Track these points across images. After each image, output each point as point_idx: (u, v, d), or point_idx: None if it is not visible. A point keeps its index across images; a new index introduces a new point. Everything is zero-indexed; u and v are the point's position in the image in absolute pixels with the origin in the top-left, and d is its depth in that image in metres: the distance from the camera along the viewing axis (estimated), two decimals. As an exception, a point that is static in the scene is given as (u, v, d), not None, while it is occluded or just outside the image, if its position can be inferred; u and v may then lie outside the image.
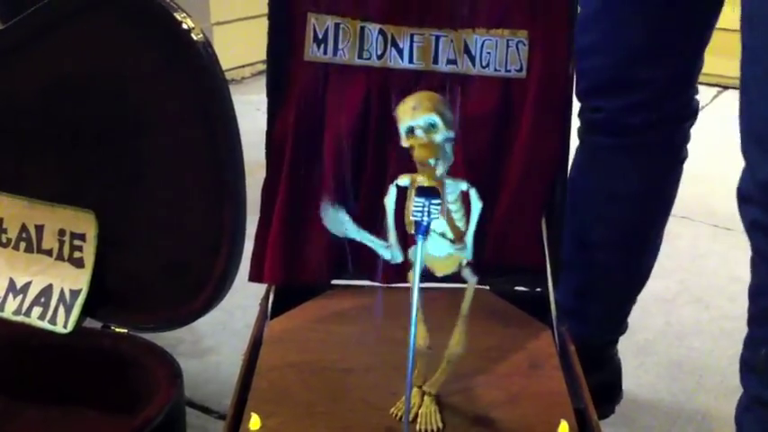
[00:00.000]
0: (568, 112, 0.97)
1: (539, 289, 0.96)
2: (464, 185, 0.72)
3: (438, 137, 0.68)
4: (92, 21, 1.04)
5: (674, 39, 1.02)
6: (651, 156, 1.05)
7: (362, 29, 0.99)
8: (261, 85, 2.85)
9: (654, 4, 1.01)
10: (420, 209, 0.65)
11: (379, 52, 0.99)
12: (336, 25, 0.99)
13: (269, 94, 1.01)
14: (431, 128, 0.68)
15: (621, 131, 1.03)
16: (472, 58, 0.98)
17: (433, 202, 0.65)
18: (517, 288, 0.99)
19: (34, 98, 1.10)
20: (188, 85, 1.00)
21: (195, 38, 0.98)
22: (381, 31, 0.99)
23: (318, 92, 0.99)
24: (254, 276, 1.01)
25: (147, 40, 1.00)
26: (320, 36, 0.99)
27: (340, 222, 0.69)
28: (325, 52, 0.99)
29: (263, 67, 3.01)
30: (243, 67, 2.96)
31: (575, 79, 0.97)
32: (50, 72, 1.08)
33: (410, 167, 0.72)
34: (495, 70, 0.98)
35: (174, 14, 0.98)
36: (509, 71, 0.98)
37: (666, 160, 1.07)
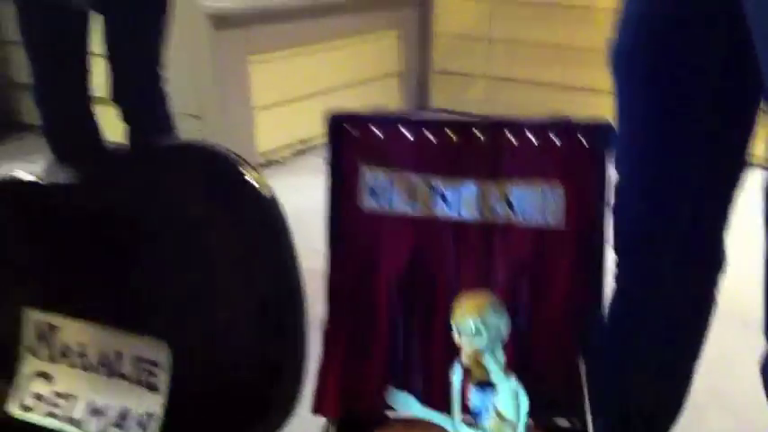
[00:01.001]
0: (602, 258, 1.05)
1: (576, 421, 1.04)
2: (513, 383, 0.80)
3: (482, 340, 0.77)
4: (170, 171, 1.16)
5: (707, 187, 1.10)
6: (686, 296, 1.12)
7: (412, 181, 1.09)
8: (299, 164, 2.95)
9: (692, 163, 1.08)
10: (478, 403, 0.73)
11: (428, 203, 1.08)
12: (388, 178, 1.09)
13: (328, 242, 1.10)
14: (477, 332, 0.77)
15: (654, 279, 1.11)
16: (513, 208, 1.07)
17: (489, 395, 0.74)
18: (556, 420, 1.06)
19: (113, 240, 1.21)
20: (255, 231, 1.10)
21: (263, 193, 1.09)
22: (430, 184, 1.09)
23: (372, 240, 1.08)
24: (316, 409, 1.09)
25: (220, 193, 1.11)
26: (373, 188, 1.09)
27: (406, 403, 0.77)
28: (378, 203, 1.09)
29: (300, 146, 3.15)
30: (283, 147, 3.08)
31: (608, 229, 1.06)
32: (130, 211, 1.19)
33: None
34: (534, 219, 1.07)
35: (246, 176, 1.09)
36: (547, 220, 1.06)
37: (701, 303, 1.14)
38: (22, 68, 3.26)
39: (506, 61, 3.52)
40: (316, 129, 3.14)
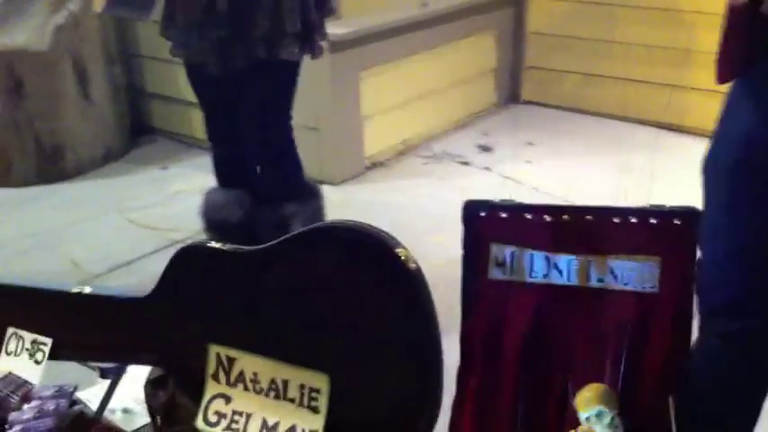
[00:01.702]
0: (690, 320, 1.26)
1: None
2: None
3: (606, 421, 0.99)
4: (332, 247, 1.40)
5: None
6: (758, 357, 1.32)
7: (532, 255, 1.31)
8: (401, 166, 3.17)
9: None
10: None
11: (545, 272, 1.31)
12: (512, 253, 1.31)
13: (462, 305, 1.34)
14: (600, 415, 0.99)
15: (740, 344, 1.31)
16: (616, 278, 1.28)
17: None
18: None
19: (281, 297, 1.47)
20: (401, 298, 1.34)
21: (410, 266, 1.32)
22: (546, 257, 1.31)
23: (499, 305, 1.31)
24: (453, 435, 1.34)
25: (372, 267, 1.35)
26: (500, 261, 1.32)
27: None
28: (503, 273, 1.31)
29: (402, 147, 3.37)
30: (387, 150, 3.31)
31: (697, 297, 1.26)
32: (293, 280, 1.45)
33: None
34: (634, 287, 1.28)
35: (396, 249, 1.32)
36: (644, 288, 1.27)
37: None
38: (152, 80, 3.58)
39: (593, 59, 3.65)
40: (417, 129, 3.39)
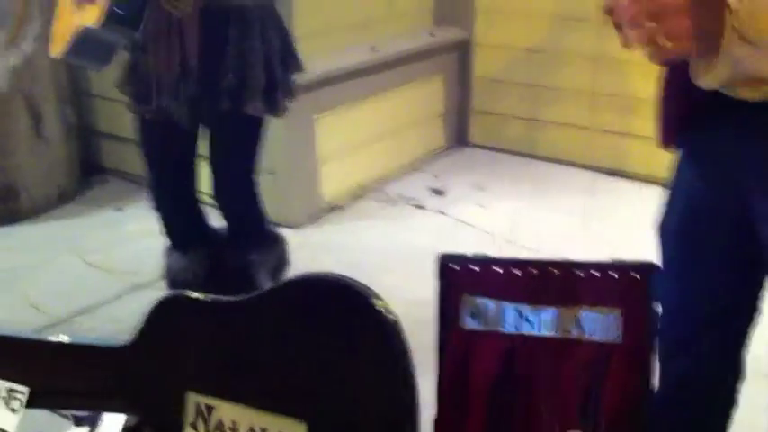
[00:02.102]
0: (650, 366, 1.36)
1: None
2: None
3: None
4: (306, 300, 1.47)
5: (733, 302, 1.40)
6: (711, 397, 1.43)
7: (503, 307, 1.40)
8: (359, 208, 3.23)
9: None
10: None
11: (515, 324, 1.39)
12: (484, 304, 1.40)
13: (437, 353, 1.41)
14: None
15: (690, 384, 1.42)
16: (582, 328, 1.38)
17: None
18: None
19: (260, 346, 1.53)
20: (379, 348, 1.41)
21: (388, 318, 1.40)
22: (516, 309, 1.39)
23: (471, 353, 1.39)
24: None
25: (350, 318, 1.42)
26: (472, 312, 1.40)
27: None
28: (475, 324, 1.40)
29: (357, 190, 3.45)
30: (344, 193, 3.39)
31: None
32: (272, 330, 1.51)
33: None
34: (599, 337, 1.37)
35: (372, 300, 1.39)
36: (608, 338, 1.37)
37: (725, 403, 1.45)
38: (103, 119, 3.60)
39: (538, 104, 3.81)
40: (371, 172, 3.48)
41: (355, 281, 1.45)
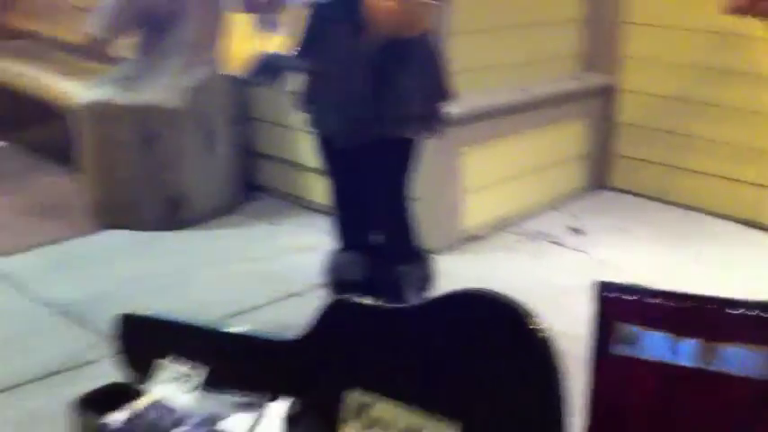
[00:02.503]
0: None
1: None
2: None
3: None
4: (466, 311, 1.59)
5: None
6: None
7: (654, 336, 1.47)
8: (498, 241, 3.32)
9: None
10: None
11: (665, 353, 1.46)
12: (636, 332, 1.47)
13: (590, 376, 1.50)
14: None
15: None
16: (732, 363, 1.43)
17: None
18: None
19: (420, 351, 1.65)
20: (533, 364, 1.51)
21: (542, 336, 1.49)
22: (667, 339, 1.46)
23: (623, 378, 1.47)
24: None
25: (507, 332, 1.53)
26: (624, 338, 1.48)
27: None
28: (627, 350, 1.47)
29: (497, 223, 3.55)
30: (484, 224, 3.49)
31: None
32: (432, 337, 1.63)
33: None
34: (748, 374, 1.42)
35: (529, 321, 1.50)
36: (759, 375, 1.42)
37: None
38: (263, 141, 3.85)
39: (681, 152, 3.81)
40: (511, 207, 3.57)
41: (514, 299, 1.55)
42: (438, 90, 2.27)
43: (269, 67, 2.16)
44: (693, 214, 3.70)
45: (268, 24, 2.12)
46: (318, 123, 2.30)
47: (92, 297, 2.81)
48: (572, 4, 3.84)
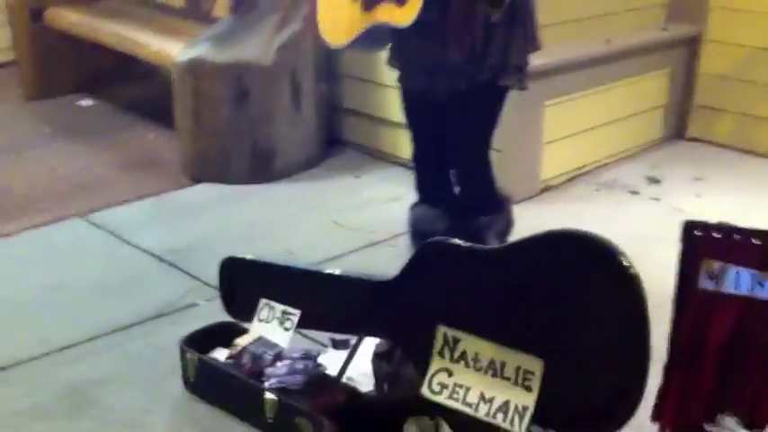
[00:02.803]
0: None
1: None
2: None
3: None
4: (556, 250, 1.65)
5: None
6: None
7: (739, 272, 1.50)
8: (575, 191, 3.33)
9: None
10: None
11: (749, 287, 1.49)
12: (722, 268, 1.51)
13: (674, 310, 1.54)
14: None
15: None
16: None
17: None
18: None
19: (509, 289, 1.72)
20: (620, 297, 1.56)
21: (631, 272, 1.54)
22: (752, 274, 1.49)
23: (706, 311, 1.51)
24: (655, 417, 1.55)
25: (596, 268, 1.58)
26: (710, 274, 1.51)
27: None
28: (712, 285, 1.51)
29: (575, 173, 3.57)
30: (560, 175, 3.52)
31: None
32: (522, 276, 1.70)
33: None
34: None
35: (620, 257, 1.54)
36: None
37: None
38: (346, 97, 3.92)
39: (762, 102, 3.74)
40: (589, 158, 3.58)
41: (602, 236, 1.60)
42: (530, 41, 2.31)
43: (372, 37, 2.22)
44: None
45: None
46: (405, 79, 2.36)
47: (187, 246, 2.96)
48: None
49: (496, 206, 2.54)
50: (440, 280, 1.81)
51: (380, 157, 3.77)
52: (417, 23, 2.10)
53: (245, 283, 2.12)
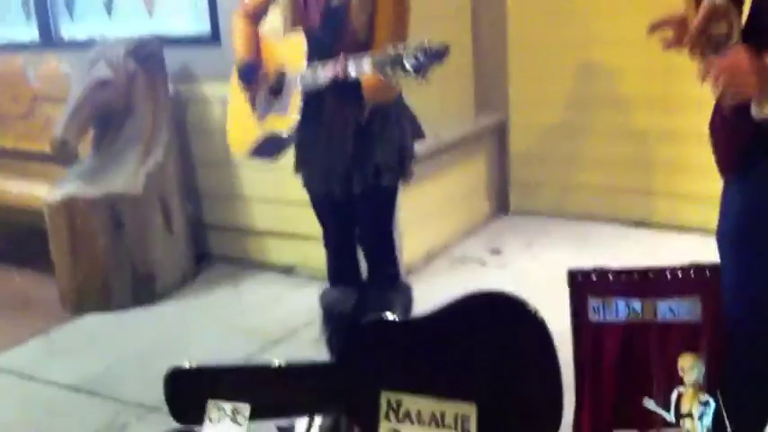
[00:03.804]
0: (724, 337, 1.88)
1: None
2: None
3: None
4: (476, 308, 2.00)
5: None
6: None
7: (616, 302, 1.92)
8: (434, 269, 3.72)
9: None
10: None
11: (626, 313, 1.92)
12: (603, 301, 1.93)
13: (572, 339, 1.93)
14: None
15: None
16: (673, 312, 1.89)
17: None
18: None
19: (438, 348, 2.04)
20: (533, 341, 1.93)
21: (540, 318, 1.92)
22: (625, 303, 1.92)
23: (598, 337, 1.91)
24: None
25: (511, 319, 1.95)
26: (595, 308, 1.93)
27: None
28: (598, 316, 1.92)
29: (429, 254, 3.99)
30: (418, 256, 3.93)
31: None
32: (447, 335, 2.03)
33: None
34: (684, 319, 1.89)
35: (529, 307, 1.92)
36: (692, 319, 1.89)
37: None
38: (211, 213, 4.15)
39: (570, 172, 4.40)
40: (440, 238, 4.03)
41: (510, 293, 1.98)
42: (409, 136, 2.67)
43: (270, 145, 2.53)
44: (587, 223, 4.27)
45: (270, 105, 2.49)
46: (309, 182, 2.67)
47: (100, 372, 3.05)
48: (466, 55, 4.39)
49: (400, 284, 2.88)
50: (378, 351, 2.09)
51: (250, 266, 4.02)
52: (308, 134, 2.46)
53: (191, 389, 2.29)
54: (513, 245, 4.09)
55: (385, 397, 2.10)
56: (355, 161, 2.52)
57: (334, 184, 2.56)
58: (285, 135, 2.44)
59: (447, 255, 4.02)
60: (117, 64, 3.58)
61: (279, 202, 3.84)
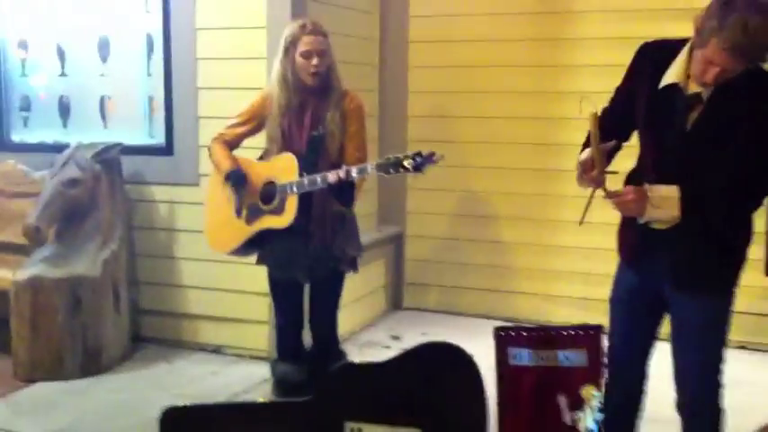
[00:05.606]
0: (602, 378, 2.52)
1: None
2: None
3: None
4: (425, 355, 2.54)
5: None
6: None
7: (527, 352, 2.53)
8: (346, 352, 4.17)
9: None
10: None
11: (535, 360, 2.52)
12: (518, 350, 2.53)
13: (497, 380, 2.51)
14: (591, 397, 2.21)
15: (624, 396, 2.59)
16: (568, 359, 2.52)
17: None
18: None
19: (393, 385, 2.56)
20: (468, 381, 2.48)
21: (473, 362, 2.49)
22: (532, 352, 2.53)
23: (516, 378, 2.50)
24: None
25: (452, 363, 2.50)
26: (513, 356, 2.52)
27: None
28: (516, 362, 2.52)
29: (342, 339, 4.49)
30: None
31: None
32: (401, 376, 2.56)
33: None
34: (575, 364, 2.52)
35: (467, 354, 2.48)
36: (581, 364, 2.52)
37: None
38: (145, 299, 4.48)
39: (454, 277, 5.09)
40: (348, 327, 4.54)
41: (452, 343, 2.55)
42: (355, 239, 3.27)
43: (248, 244, 3.04)
44: (469, 318, 4.93)
45: (259, 210, 3.01)
46: (273, 270, 3.17)
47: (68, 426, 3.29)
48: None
49: (340, 357, 3.37)
50: (345, 390, 2.59)
51: (181, 347, 4.36)
52: (288, 228, 2.98)
53: (185, 428, 2.67)
54: (410, 332, 4.67)
55: (348, 426, 2.59)
56: (324, 250, 3.07)
57: (298, 270, 3.09)
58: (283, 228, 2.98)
59: (355, 340, 4.53)
60: (85, 165, 3.98)
61: (209, 288, 4.27)
